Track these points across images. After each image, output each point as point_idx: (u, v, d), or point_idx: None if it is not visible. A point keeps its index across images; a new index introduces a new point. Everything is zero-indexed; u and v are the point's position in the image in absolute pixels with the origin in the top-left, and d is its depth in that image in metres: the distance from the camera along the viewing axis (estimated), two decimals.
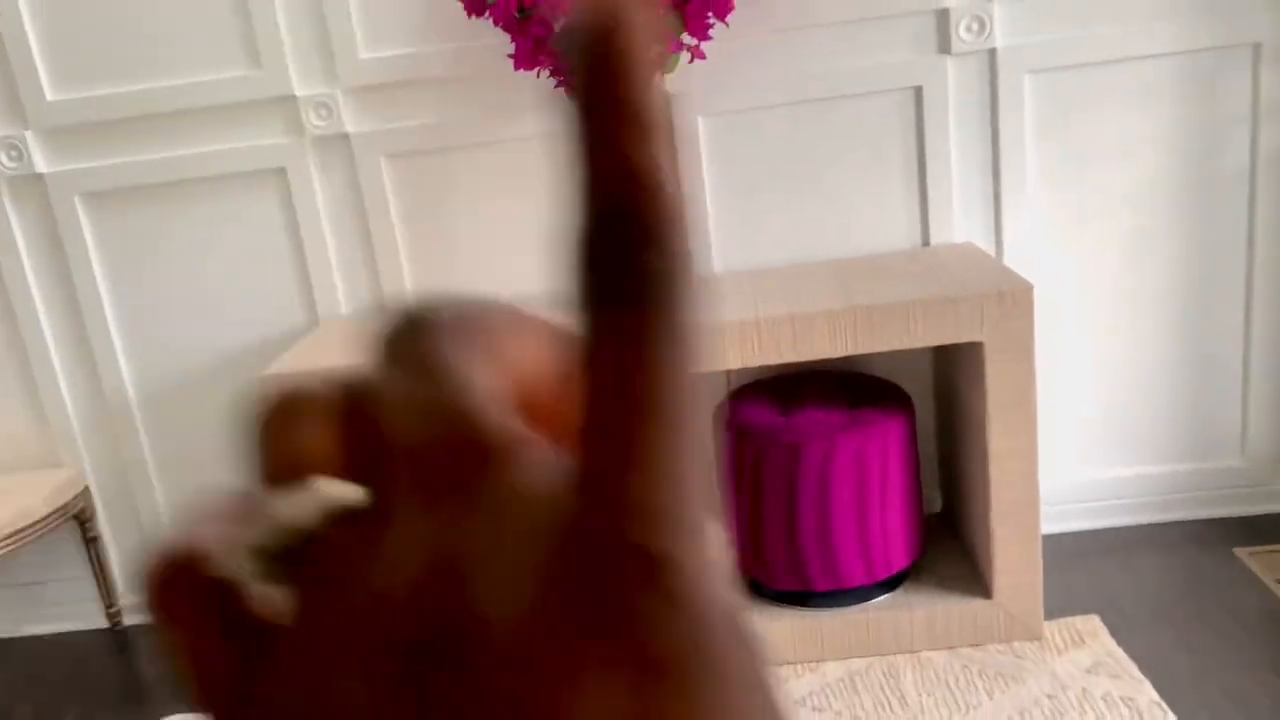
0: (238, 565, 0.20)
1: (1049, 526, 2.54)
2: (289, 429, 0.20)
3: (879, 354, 2.45)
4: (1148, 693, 1.96)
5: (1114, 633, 2.16)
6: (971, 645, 2.15)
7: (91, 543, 2.59)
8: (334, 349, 2.12)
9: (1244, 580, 2.28)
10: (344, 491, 0.21)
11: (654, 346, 0.17)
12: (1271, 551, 2.37)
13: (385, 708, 0.18)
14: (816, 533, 2.10)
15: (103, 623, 2.70)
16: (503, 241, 2.40)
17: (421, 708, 0.18)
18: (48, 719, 2.34)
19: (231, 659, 0.20)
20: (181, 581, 0.20)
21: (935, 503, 2.55)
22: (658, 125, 0.18)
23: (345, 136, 2.35)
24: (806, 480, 2.08)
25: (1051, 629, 2.17)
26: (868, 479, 2.08)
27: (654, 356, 0.17)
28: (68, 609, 2.70)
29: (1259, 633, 2.10)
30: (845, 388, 2.27)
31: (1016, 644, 2.14)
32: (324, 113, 2.32)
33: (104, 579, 2.64)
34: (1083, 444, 2.50)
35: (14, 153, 2.36)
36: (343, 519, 0.20)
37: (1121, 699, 1.95)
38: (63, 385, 2.52)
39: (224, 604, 0.20)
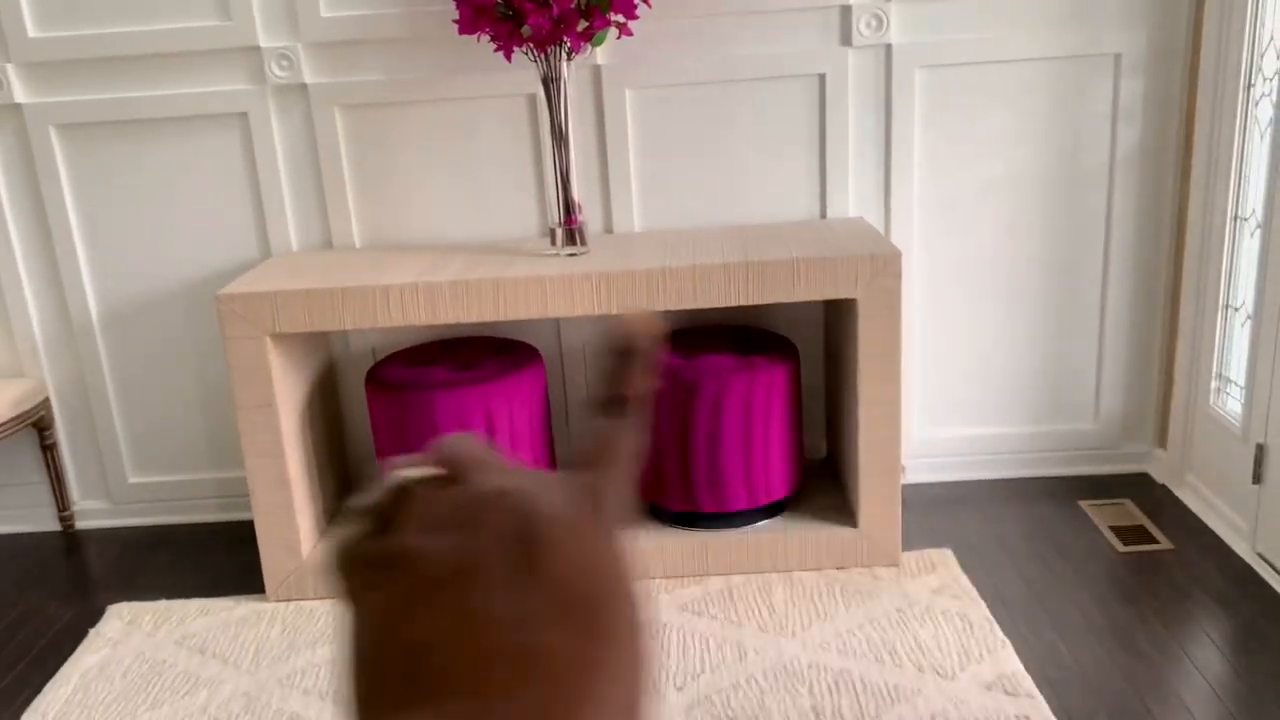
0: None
1: (918, 476, 2.85)
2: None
3: (778, 313, 2.73)
4: (980, 610, 2.26)
5: (963, 564, 2.46)
6: (837, 568, 2.44)
7: (49, 450, 2.80)
8: (281, 277, 2.36)
9: (1083, 527, 2.59)
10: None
11: (629, 437, 0.65)
12: (1110, 504, 2.69)
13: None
14: (707, 462, 2.38)
15: (55, 525, 2.92)
16: (442, 191, 2.64)
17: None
18: (0, 608, 2.56)
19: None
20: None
21: (820, 449, 2.84)
22: (651, 380, 0.69)
23: (304, 87, 2.58)
24: (699, 415, 2.35)
25: (908, 558, 2.47)
26: (753, 416, 2.36)
27: (629, 438, 0.65)
28: (22, 511, 2.91)
29: (1086, 568, 2.42)
30: (741, 340, 2.55)
31: (876, 569, 2.44)
32: (285, 64, 2.55)
33: (59, 485, 2.85)
34: (951, 404, 2.80)
35: None
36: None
37: (958, 614, 2.25)
38: (30, 302, 2.73)
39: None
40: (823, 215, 2.66)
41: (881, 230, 2.66)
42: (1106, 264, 2.69)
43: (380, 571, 0.49)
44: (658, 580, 2.44)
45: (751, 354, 2.45)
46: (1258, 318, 2.34)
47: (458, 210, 2.66)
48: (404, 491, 0.52)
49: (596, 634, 0.43)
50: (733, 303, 2.25)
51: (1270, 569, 2.33)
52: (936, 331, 2.75)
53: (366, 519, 0.51)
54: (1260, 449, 2.35)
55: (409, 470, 0.51)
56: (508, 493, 0.53)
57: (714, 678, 2.08)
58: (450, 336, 2.75)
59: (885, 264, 2.24)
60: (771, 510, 2.49)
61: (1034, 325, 2.74)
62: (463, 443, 0.56)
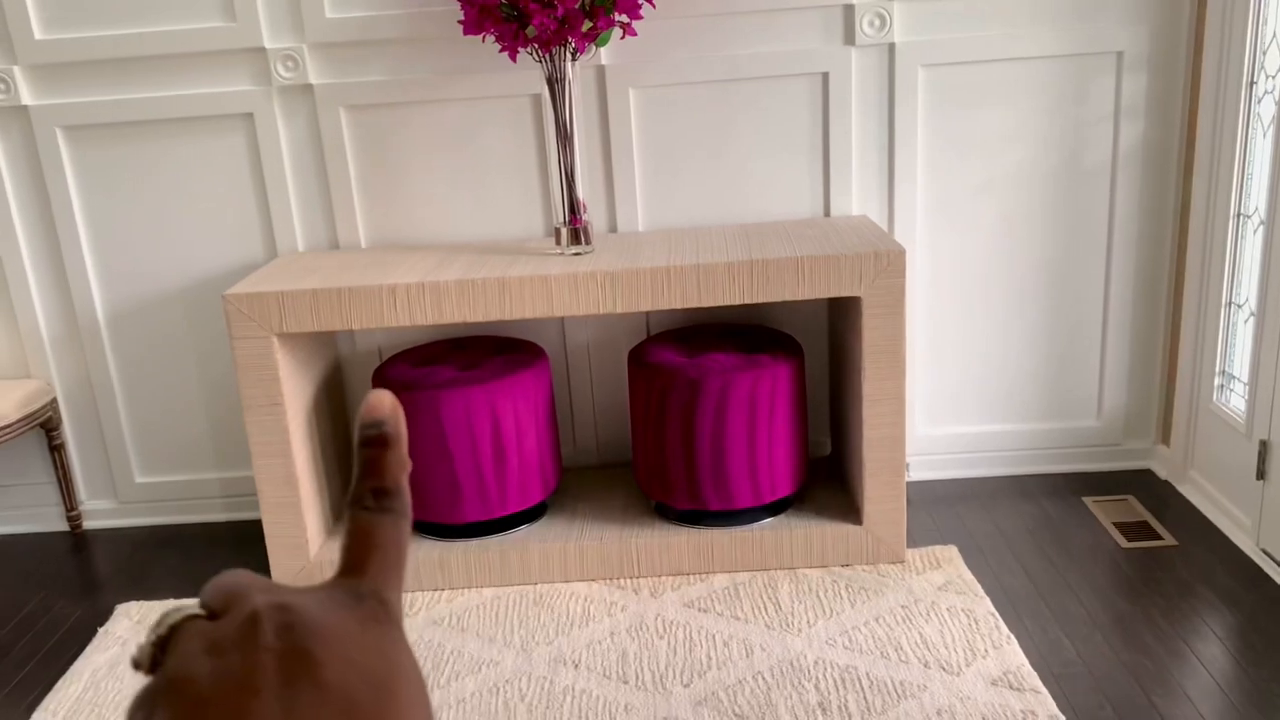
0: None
1: (922, 474, 2.86)
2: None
3: (782, 311, 2.74)
4: (985, 606, 2.27)
5: (968, 561, 2.47)
6: (842, 565, 2.45)
7: (56, 450, 2.82)
8: (287, 277, 2.37)
9: (1086, 524, 2.60)
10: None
11: (396, 527, 0.66)
12: (1114, 500, 2.70)
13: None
14: (712, 460, 2.39)
15: (63, 525, 2.93)
16: (447, 191, 2.65)
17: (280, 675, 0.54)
18: (10, 607, 2.57)
19: None
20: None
21: (825, 446, 2.85)
22: (405, 462, 0.71)
23: (309, 87, 2.59)
24: (704, 413, 2.36)
25: (913, 555, 2.48)
26: (758, 414, 2.37)
27: (396, 529, 0.66)
28: (30, 511, 2.92)
29: (1089, 564, 2.43)
30: (746, 338, 2.56)
31: (882, 565, 2.45)
32: (290, 65, 2.56)
33: (66, 485, 2.86)
34: (955, 402, 2.81)
35: (2, 85, 2.57)
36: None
37: (963, 610, 2.26)
38: (37, 303, 2.74)
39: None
40: (826, 213, 2.67)
41: (885, 228, 2.67)
42: (1109, 261, 2.70)
43: (153, 707, 0.50)
44: (663, 578, 2.45)
45: (756, 352, 2.46)
46: (1261, 315, 2.35)
47: (463, 210, 2.67)
48: (173, 629, 0.54)
49: None
50: (737, 301, 2.26)
51: (1274, 564, 2.34)
52: (939, 329, 2.76)
53: (143, 664, 0.53)
54: (1264, 445, 2.36)
55: (175, 612, 0.54)
56: (278, 607, 0.54)
57: (720, 674, 2.09)
58: (456, 336, 2.76)
59: (889, 262, 2.25)
60: (777, 508, 2.50)
61: (1037, 322, 2.75)
62: (228, 577, 0.59)
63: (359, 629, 0.51)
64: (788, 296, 2.26)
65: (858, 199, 2.65)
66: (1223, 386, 2.57)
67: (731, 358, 2.42)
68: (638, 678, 2.10)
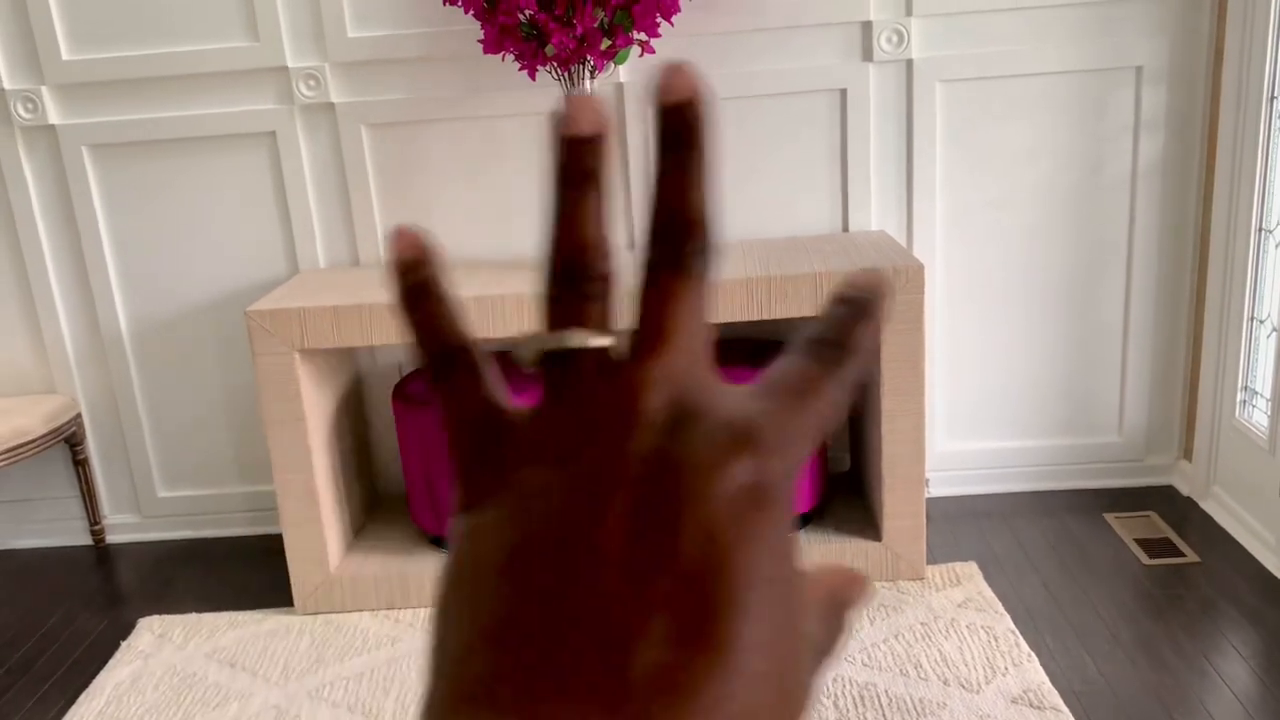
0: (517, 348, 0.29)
1: (941, 490, 2.85)
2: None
3: (800, 327, 2.74)
4: (1005, 623, 2.26)
5: (988, 577, 2.46)
6: None
7: (80, 465, 2.85)
8: (309, 294, 2.39)
9: (1108, 540, 2.58)
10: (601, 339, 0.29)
11: (839, 389, 0.31)
12: (1136, 516, 2.68)
13: (601, 510, 0.26)
14: None
15: (87, 540, 2.96)
16: (468, 208, 2.67)
17: (634, 521, 0.26)
18: (34, 621, 2.59)
19: (487, 413, 0.29)
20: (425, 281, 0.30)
21: (844, 462, 2.84)
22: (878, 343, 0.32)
23: (331, 106, 2.61)
24: None
25: (933, 571, 2.47)
26: None
27: (838, 392, 0.31)
28: (55, 525, 2.95)
29: (1110, 581, 2.41)
30: (762, 354, 2.56)
31: (901, 582, 2.44)
32: (313, 83, 2.59)
33: (90, 499, 2.89)
34: (975, 417, 2.80)
35: (30, 105, 2.61)
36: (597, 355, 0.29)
37: (983, 628, 2.25)
38: (62, 319, 2.77)
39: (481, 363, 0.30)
40: (845, 229, 2.67)
41: (903, 244, 2.67)
42: (1129, 276, 2.69)
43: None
44: None
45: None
46: None
47: (483, 226, 2.68)
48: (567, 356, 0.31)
49: (711, 648, 0.26)
50: (754, 317, 2.27)
51: None
52: (958, 344, 2.75)
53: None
54: None
55: (583, 337, 0.31)
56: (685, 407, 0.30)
57: None
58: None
59: (909, 278, 2.25)
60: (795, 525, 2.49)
61: (1056, 337, 2.74)
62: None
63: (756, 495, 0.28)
64: (806, 312, 2.26)
65: (876, 214, 2.66)
66: (1245, 402, 2.55)
67: (743, 373, 2.41)
68: None
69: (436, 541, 2.53)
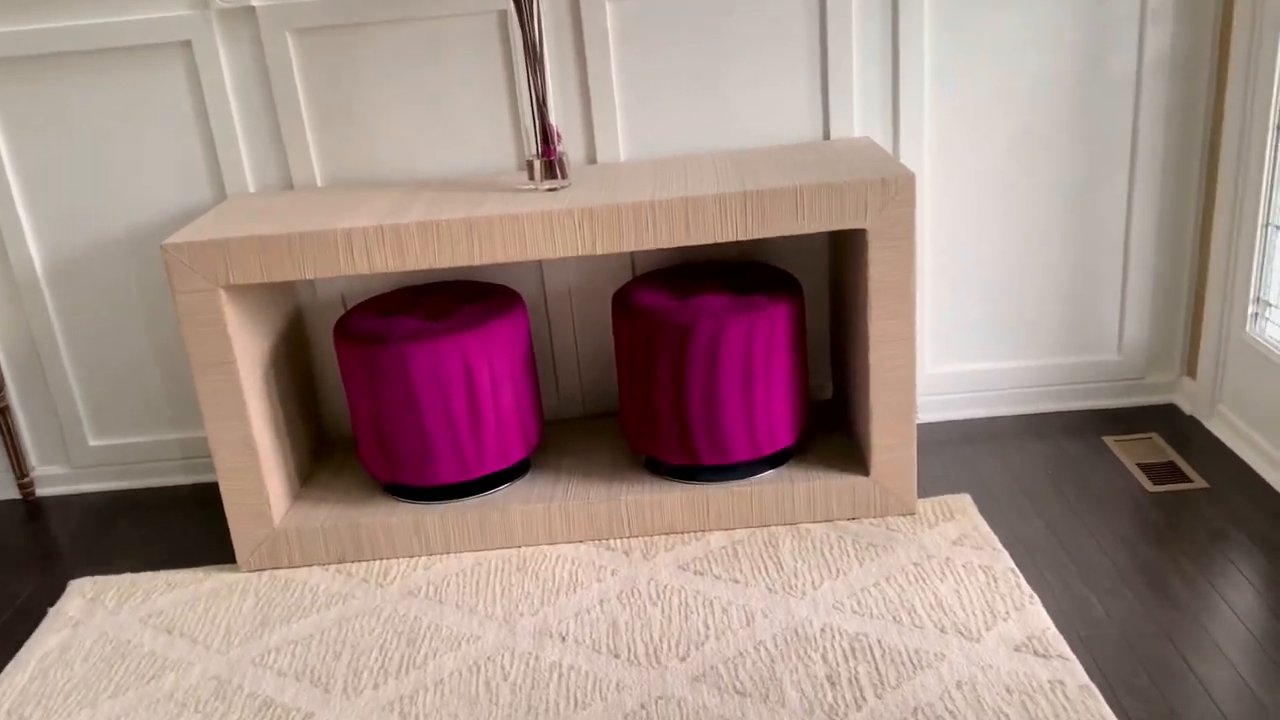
0: None
1: (931, 415, 2.67)
2: None
3: (779, 245, 2.53)
4: (1004, 561, 2.10)
5: (982, 510, 2.29)
6: (848, 518, 2.28)
7: (2, 414, 2.62)
8: (234, 223, 2.15)
9: (1107, 465, 2.42)
10: None
11: None
12: (1137, 439, 2.52)
13: None
14: (704, 411, 2.20)
15: (14, 494, 2.74)
16: (408, 122, 2.42)
17: None
18: None
19: None
20: None
21: (826, 390, 2.66)
22: None
23: (251, 10, 2.33)
24: (695, 361, 2.16)
25: (924, 505, 2.30)
26: (754, 360, 2.18)
27: None
28: None
29: (1113, 510, 2.25)
30: (739, 276, 2.35)
31: (890, 518, 2.27)
32: None
33: (15, 451, 2.67)
34: (965, 336, 2.61)
35: None
36: None
37: (980, 567, 2.09)
38: None
39: None
40: (826, 136, 2.44)
41: (890, 150, 2.45)
42: (1132, 178, 2.48)
43: None
44: (656, 538, 2.27)
45: (751, 292, 2.25)
46: None
47: (426, 142, 2.43)
48: None
49: None
50: (730, 238, 2.05)
51: None
52: (947, 257, 2.55)
53: None
54: None
55: None
56: None
57: (720, 645, 1.93)
58: (425, 281, 2.54)
59: (897, 189, 2.03)
60: (776, 459, 2.31)
61: (1053, 247, 2.54)
62: None
63: None
64: (785, 231, 2.05)
65: (860, 118, 2.42)
66: (1258, 315, 2.38)
67: (724, 299, 2.21)
68: (630, 651, 1.93)
69: (388, 490, 2.34)
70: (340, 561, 2.28)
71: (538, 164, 2.18)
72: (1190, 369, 2.62)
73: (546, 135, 2.17)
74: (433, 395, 2.18)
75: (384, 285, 2.55)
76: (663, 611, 2.03)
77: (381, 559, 2.28)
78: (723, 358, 2.16)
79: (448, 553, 2.28)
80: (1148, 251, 2.54)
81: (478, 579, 2.19)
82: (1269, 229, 2.31)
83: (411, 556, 2.28)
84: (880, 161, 2.16)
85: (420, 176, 2.45)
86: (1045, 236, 2.53)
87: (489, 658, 1.95)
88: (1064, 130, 2.44)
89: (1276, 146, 2.25)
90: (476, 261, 2.04)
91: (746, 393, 2.19)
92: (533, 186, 2.21)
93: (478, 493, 2.31)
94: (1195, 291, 2.57)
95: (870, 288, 2.10)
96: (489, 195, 2.19)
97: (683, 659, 1.90)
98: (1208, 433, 2.52)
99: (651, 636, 1.97)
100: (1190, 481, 2.33)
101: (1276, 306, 2.32)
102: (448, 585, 2.17)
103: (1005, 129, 2.44)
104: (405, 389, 2.18)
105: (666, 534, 2.28)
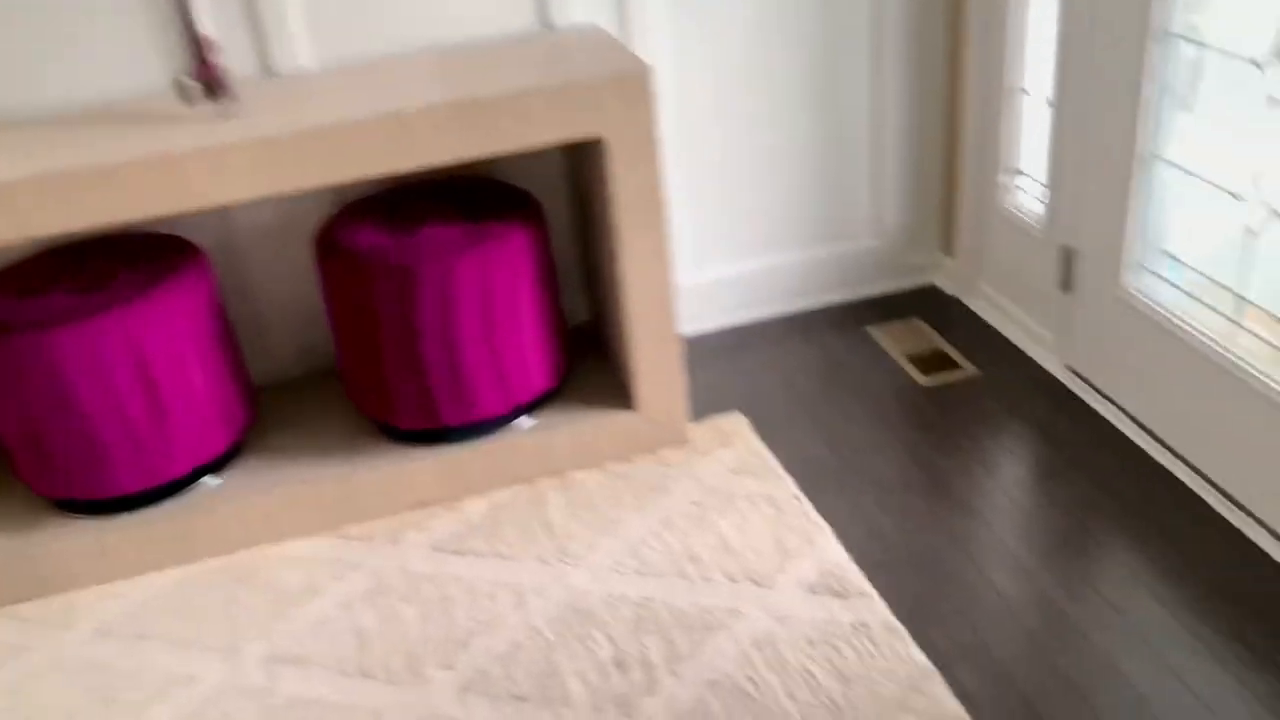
0: None
1: (694, 326, 2.46)
2: None
3: (511, 159, 2.19)
4: (787, 487, 1.93)
5: (758, 428, 2.12)
6: (619, 459, 2.04)
7: None
8: None
9: (877, 360, 2.30)
10: None
11: None
12: (900, 324, 2.41)
13: None
14: (444, 366, 1.88)
15: None
16: (9, 30, 1.88)
17: None
18: None
19: None
20: None
21: (582, 312, 2.39)
22: None
23: None
24: (425, 309, 1.83)
25: (697, 432, 2.10)
26: (495, 300, 1.87)
27: None
28: None
29: (889, 412, 2.13)
30: (468, 199, 2.01)
31: (663, 452, 2.06)
32: None
33: None
34: (715, 239, 2.40)
35: None
36: None
37: (763, 497, 1.91)
38: None
39: None
40: (547, 25, 2.10)
41: (621, 40, 2.14)
42: (877, 51, 2.29)
43: None
44: (403, 516, 1.96)
45: (483, 218, 1.92)
46: (1059, 101, 2.02)
47: (37, 60, 1.90)
48: None
49: None
50: (443, 160, 1.71)
51: (1084, 383, 2.12)
52: (692, 156, 2.30)
53: None
54: (1067, 252, 2.09)
55: None
56: None
57: (489, 641, 1.67)
58: (74, 241, 2.05)
59: (636, 88, 1.74)
60: (533, 407, 2.03)
61: (801, 135, 2.34)
62: None
63: None
64: (509, 147, 1.73)
65: (583, 2, 2.10)
66: (1011, 186, 2.28)
67: (452, 231, 1.87)
68: (384, 667, 1.64)
69: (58, 506, 1.89)
70: (11, 603, 1.84)
71: (189, 85, 1.73)
72: (948, 247, 2.53)
73: (198, 45, 1.72)
74: (94, 389, 1.74)
75: (20, 251, 2.03)
76: (419, 610, 1.74)
77: (62, 592, 1.85)
78: (458, 302, 1.84)
79: (144, 572, 1.87)
80: (898, 130, 2.38)
81: (186, 601, 1.81)
82: (1019, 94, 2.18)
83: (100, 584, 1.86)
84: (613, 55, 1.85)
85: (33, 108, 1.93)
86: (793, 124, 2.32)
87: (211, 702, 1.60)
88: (803, 10, 2.21)
89: (1023, 3, 2.10)
90: (120, 219, 1.61)
91: (490, 339, 1.89)
92: (191, 113, 1.76)
93: (175, 493, 1.91)
94: (948, 166, 2.45)
95: (616, 205, 1.82)
96: (131, 130, 1.73)
97: (447, 666, 1.63)
98: (970, 312, 2.44)
99: (408, 644, 1.68)
100: (960, 369, 2.24)
101: (1032, 177, 2.22)
102: (149, 615, 1.79)
103: (742, 11, 2.18)
104: (58, 387, 1.73)
105: (416, 509, 1.97)
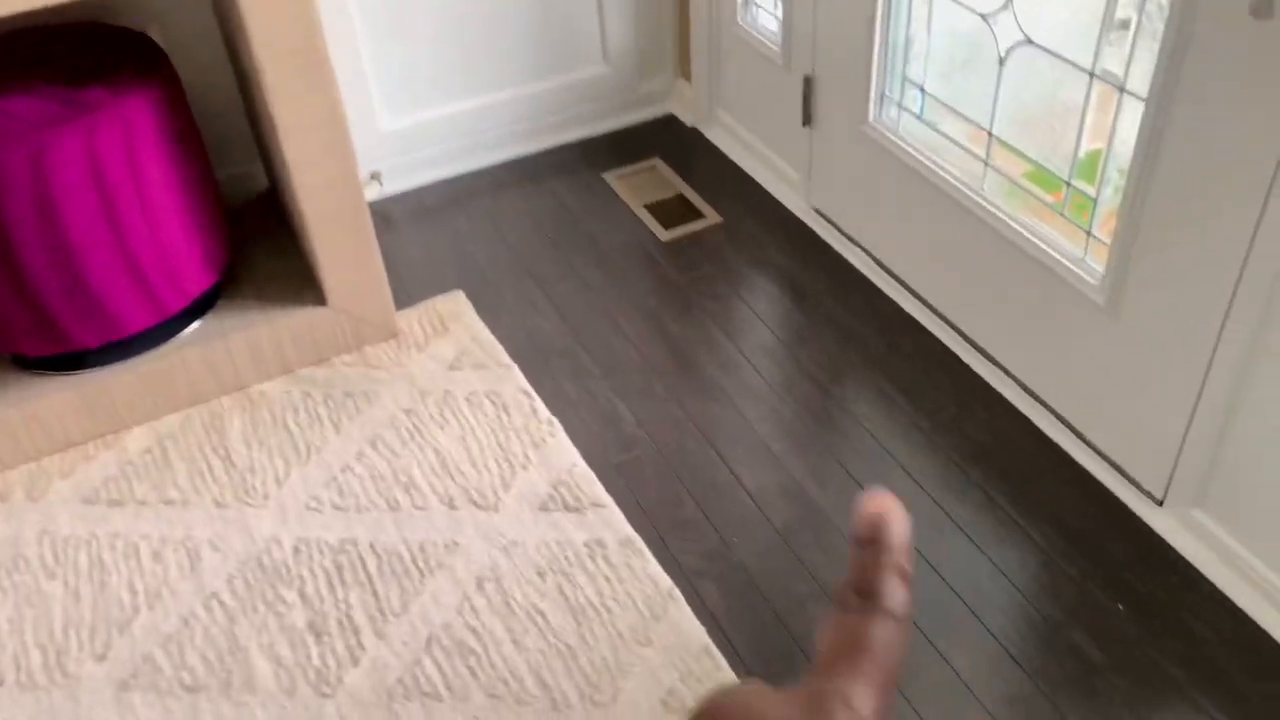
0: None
1: (396, 184, 2.12)
2: None
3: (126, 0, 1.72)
4: (515, 380, 1.68)
5: (480, 307, 1.84)
6: (315, 363, 1.73)
7: None
8: None
9: (615, 214, 2.04)
10: None
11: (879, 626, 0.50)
12: (639, 170, 2.15)
13: None
14: (56, 276, 1.48)
15: None
16: None
17: None
18: None
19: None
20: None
21: (261, 178, 1.99)
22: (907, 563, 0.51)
23: None
24: (17, 205, 1.41)
25: (409, 319, 1.80)
26: (116, 185, 1.46)
27: (878, 628, 0.50)
28: None
29: (629, 276, 1.89)
30: (62, 51, 1.56)
31: (368, 350, 1.75)
32: None
33: None
34: (423, 80, 2.03)
35: None
36: None
37: (487, 395, 1.66)
38: None
39: None
40: None
41: None
42: None
43: None
44: (44, 462, 1.59)
45: (85, 79, 1.48)
46: None
47: None
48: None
49: None
50: (35, 5, 1.27)
51: (829, 225, 1.94)
52: None
53: None
54: (808, 83, 1.85)
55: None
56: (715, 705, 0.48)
57: (154, 618, 1.37)
58: None
59: None
60: (197, 310, 1.67)
61: None
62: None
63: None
64: None
65: None
66: (748, 2, 2.00)
67: (42, 101, 1.44)
68: (19, 665, 1.32)
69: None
70: None
71: None
72: (684, 71, 2.25)
73: None
74: None
75: None
76: (63, 583, 1.42)
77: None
78: (64, 194, 1.42)
79: None
80: None
81: None
82: None
83: None
84: None
85: None
86: None
87: None
88: None
89: None
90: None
91: (118, 235, 1.49)
92: None
93: None
94: None
95: (264, 66, 1.43)
96: None
97: (100, 658, 1.33)
98: (710, 145, 2.20)
99: (52, 633, 1.36)
100: (703, 217, 2.02)
101: None
102: None
103: None
104: None
105: (60, 451, 1.60)
